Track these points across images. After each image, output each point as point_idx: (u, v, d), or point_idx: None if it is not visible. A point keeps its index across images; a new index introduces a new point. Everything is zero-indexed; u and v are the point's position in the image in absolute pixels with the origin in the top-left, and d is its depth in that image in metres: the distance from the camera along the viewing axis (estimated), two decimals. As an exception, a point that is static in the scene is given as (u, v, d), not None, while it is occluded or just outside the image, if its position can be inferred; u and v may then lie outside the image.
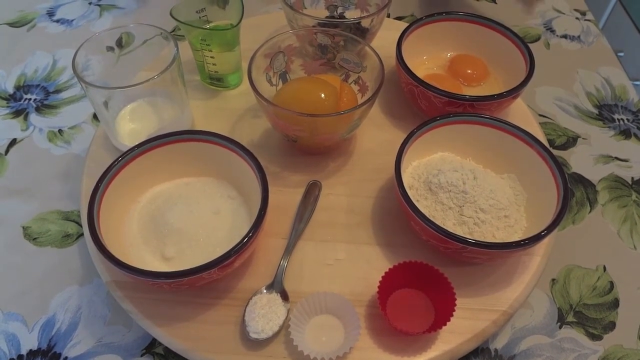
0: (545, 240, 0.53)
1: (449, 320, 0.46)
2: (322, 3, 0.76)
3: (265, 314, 0.48)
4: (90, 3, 0.88)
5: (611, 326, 0.52)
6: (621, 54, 1.26)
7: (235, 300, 0.50)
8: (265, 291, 0.50)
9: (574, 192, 0.63)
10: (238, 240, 0.46)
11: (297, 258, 0.53)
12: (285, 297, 0.50)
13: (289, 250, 0.53)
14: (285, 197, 0.58)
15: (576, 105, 0.73)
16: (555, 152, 0.67)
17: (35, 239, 0.58)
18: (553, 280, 0.56)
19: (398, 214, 0.57)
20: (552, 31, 0.84)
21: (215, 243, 0.51)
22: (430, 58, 0.71)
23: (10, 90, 0.74)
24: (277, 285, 0.50)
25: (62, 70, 0.77)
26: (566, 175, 0.52)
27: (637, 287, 0.55)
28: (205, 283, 0.48)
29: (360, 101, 0.61)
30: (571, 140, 0.69)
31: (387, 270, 0.49)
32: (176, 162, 0.55)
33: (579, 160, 0.66)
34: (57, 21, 0.85)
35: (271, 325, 0.47)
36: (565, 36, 0.84)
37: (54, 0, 0.88)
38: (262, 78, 0.59)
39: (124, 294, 0.50)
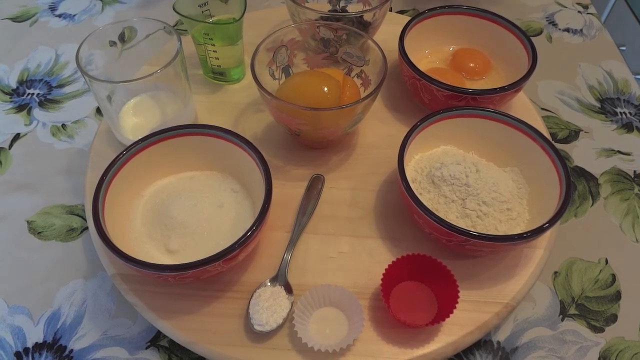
0: (548, 233, 0.53)
1: (451, 312, 0.46)
2: (324, -3, 0.76)
3: (269, 307, 0.48)
4: (92, -2, 0.88)
5: (613, 319, 0.53)
6: (623, 47, 1.26)
7: (240, 293, 0.51)
8: (269, 284, 0.50)
9: (576, 185, 0.63)
10: (242, 233, 0.46)
11: (300, 251, 0.54)
12: (289, 289, 0.50)
13: (292, 244, 0.53)
14: (289, 190, 0.58)
15: (578, 98, 0.73)
16: (557, 145, 0.67)
17: (39, 233, 0.59)
18: (555, 273, 0.56)
19: (401, 207, 0.57)
20: (555, 25, 0.84)
21: (219, 236, 0.51)
22: (432, 52, 0.71)
23: (14, 85, 0.74)
24: (280, 278, 0.51)
25: (65, 65, 0.77)
26: (568, 169, 0.52)
27: (639, 280, 0.55)
28: (210, 276, 0.48)
29: (362, 95, 0.61)
30: (573, 134, 0.69)
31: (390, 263, 0.49)
32: (180, 156, 0.55)
33: (581, 154, 0.66)
34: (59, 16, 0.85)
35: (275, 317, 0.48)
36: (567, 30, 0.83)
37: (55, -5, 0.89)
38: (264, 72, 0.59)
39: (129, 287, 0.50)
